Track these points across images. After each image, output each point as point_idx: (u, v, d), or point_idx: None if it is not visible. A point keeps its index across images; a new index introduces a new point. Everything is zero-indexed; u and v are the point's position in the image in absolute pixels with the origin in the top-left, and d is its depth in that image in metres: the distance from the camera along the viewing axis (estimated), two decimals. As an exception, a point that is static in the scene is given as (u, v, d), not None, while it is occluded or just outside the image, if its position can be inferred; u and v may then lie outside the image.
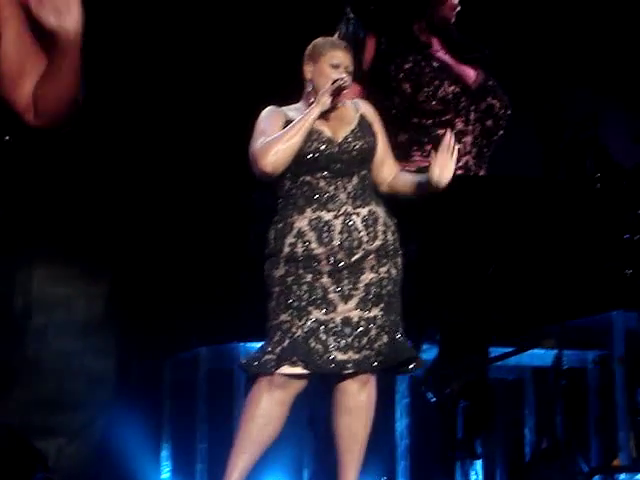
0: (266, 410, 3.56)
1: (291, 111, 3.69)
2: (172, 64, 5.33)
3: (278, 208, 3.66)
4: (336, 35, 4.83)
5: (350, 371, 3.56)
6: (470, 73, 5.05)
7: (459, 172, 4.99)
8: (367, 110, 3.78)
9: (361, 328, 3.57)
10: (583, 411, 5.03)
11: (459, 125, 4.99)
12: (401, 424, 4.98)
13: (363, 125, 3.72)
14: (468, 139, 5.01)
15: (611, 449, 4.88)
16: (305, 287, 3.58)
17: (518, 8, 5.37)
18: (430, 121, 4.94)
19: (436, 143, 4.94)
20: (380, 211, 3.69)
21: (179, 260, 5.26)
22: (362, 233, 3.64)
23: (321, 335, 3.55)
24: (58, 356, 5.26)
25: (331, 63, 3.66)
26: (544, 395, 5.07)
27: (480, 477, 4.99)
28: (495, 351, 4.91)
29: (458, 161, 4.96)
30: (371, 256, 3.63)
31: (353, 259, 3.60)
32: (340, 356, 3.54)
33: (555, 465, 4.79)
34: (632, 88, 5.50)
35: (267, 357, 3.55)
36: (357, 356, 3.56)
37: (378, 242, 3.65)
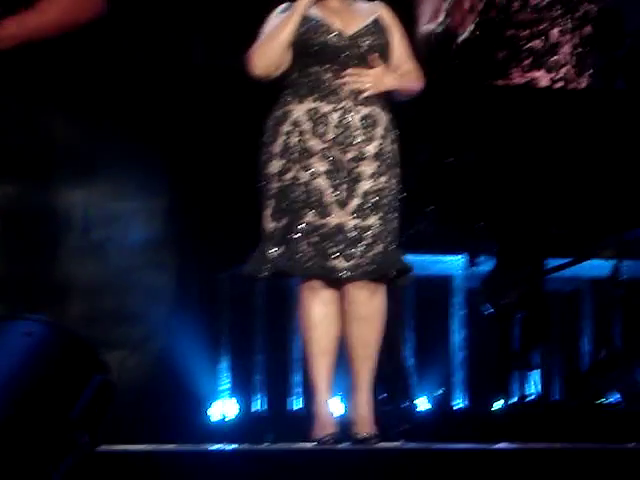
0: (320, 315, 3.53)
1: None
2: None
3: (278, 97, 3.55)
4: None
5: (342, 277, 3.46)
6: None
7: (559, 84, 4.89)
8: (385, 14, 3.64)
9: (355, 236, 3.47)
10: (640, 322, 4.94)
11: (555, 35, 4.87)
12: (457, 336, 4.93)
13: (378, 24, 3.58)
14: (566, 49, 4.89)
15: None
16: (300, 189, 3.49)
17: None
18: (526, 32, 4.84)
19: (532, 57, 4.82)
20: (382, 115, 3.57)
21: (239, 175, 5.20)
22: (358, 131, 3.53)
23: (312, 239, 3.46)
24: (118, 271, 5.26)
25: None
26: (602, 306, 4.98)
27: (537, 388, 4.93)
28: (551, 262, 4.82)
29: (557, 72, 4.84)
30: (368, 161, 3.50)
31: (347, 157, 3.49)
32: (330, 262, 3.46)
33: (612, 376, 4.73)
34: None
35: (264, 259, 3.48)
36: (348, 263, 3.48)
37: (374, 146, 3.53)
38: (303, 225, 3.49)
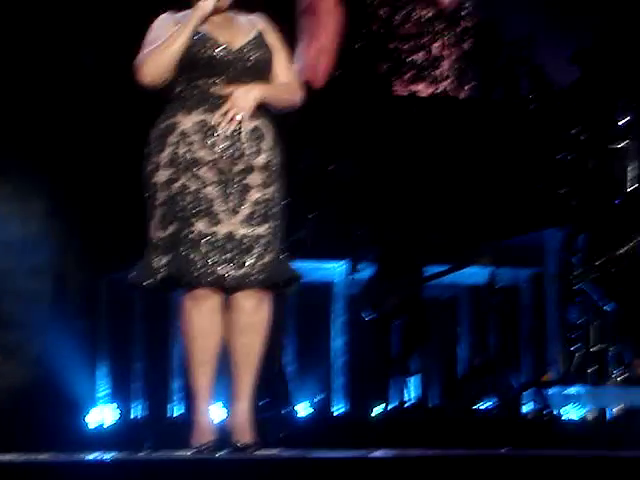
0: (202, 326, 3.50)
1: (185, 17, 3.57)
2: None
3: (165, 110, 3.54)
4: None
5: (230, 286, 3.47)
6: None
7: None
8: (266, 26, 3.66)
9: (245, 244, 3.48)
10: (515, 328, 5.04)
11: (435, 50, 4.95)
12: (338, 342, 4.96)
13: (260, 39, 3.60)
14: (447, 63, 4.97)
15: (542, 365, 4.91)
16: (189, 197, 3.48)
17: None
18: (406, 45, 4.90)
19: (414, 70, 4.90)
20: (269, 128, 3.58)
21: (115, 175, 5.14)
22: (245, 145, 3.53)
23: (202, 247, 3.46)
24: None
25: None
26: (479, 313, 5.07)
27: (416, 393, 4.99)
28: (430, 269, 4.89)
29: (438, 85, 4.94)
30: (255, 173, 3.53)
31: (235, 169, 3.50)
32: (219, 270, 3.46)
33: (487, 381, 4.81)
34: (567, 7, 5.44)
35: (153, 267, 3.46)
36: (238, 272, 3.48)
37: (262, 159, 3.54)
38: (192, 233, 3.47)
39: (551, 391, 4.72)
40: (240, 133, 3.49)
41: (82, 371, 5.13)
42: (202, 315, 3.44)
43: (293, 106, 3.62)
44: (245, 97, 3.52)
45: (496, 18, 5.13)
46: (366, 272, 4.95)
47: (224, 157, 3.47)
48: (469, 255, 4.85)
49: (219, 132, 3.47)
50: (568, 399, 4.65)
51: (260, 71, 3.54)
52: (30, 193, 5.29)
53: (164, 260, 3.41)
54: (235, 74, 3.51)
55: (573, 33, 5.26)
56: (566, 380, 4.76)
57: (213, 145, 3.46)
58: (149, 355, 5.08)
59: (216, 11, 3.55)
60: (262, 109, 3.55)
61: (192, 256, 3.40)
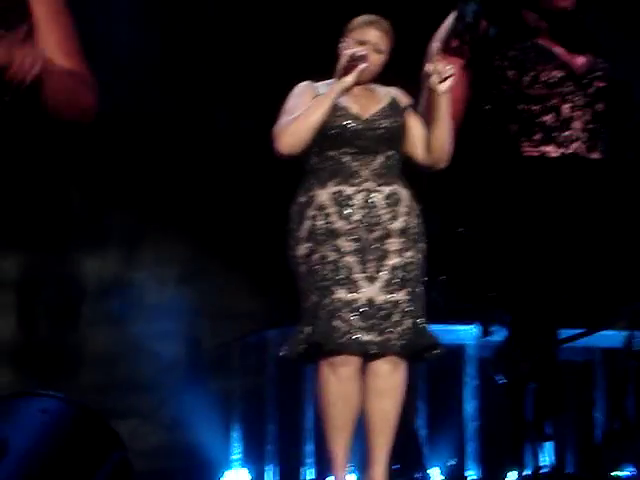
0: (339, 393, 3.54)
1: (324, 87, 3.63)
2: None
3: (302, 182, 3.60)
4: (452, 15, 4.83)
5: (372, 352, 3.48)
6: (578, 60, 5.01)
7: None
8: (399, 95, 3.71)
9: (385, 310, 3.52)
10: (655, 393, 4.89)
11: (566, 111, 4.93)
12: (470, 406, 4.91)
13: (393, 106, 3.66)
14: (577, 125, 4.94)
15: (682, 432, 4.75)
16: (330, 267, 3.55)
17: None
18: (537, 107, 4.89)
19: (544, 132, 4.89)
20: (404, 193, 3.63)
21: (247, 244, 5.23)
22: (383, 211, 3.60)
23: (344, 314, 3.49)
24: (130, 339, 5.28)
25: (358, 39, 3.59)
26: (615, 377, 4.95)
27: (551, 459, 4.89)
28: (565, 332, 4.80)
29: (567, 147, 4.92)
30: (394, 238, 3.57)
31: (372, 236, 3.55)
32: (363, 336, 3.50)
33: (626, 447, 4.68)
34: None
35: (297, 339, 3.50)
36: (380, 338, 3.53)
37: (399, 223, 3.59)
38: (334, 302, 3.52)
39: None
40: (376, 200, 3.53)
41: (216, 434, 5.19)
42: (341, 382, 3.49)
43: (440, 165, 3.67)
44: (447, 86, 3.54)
45: (630, 80, 5.08)
46: (498, 335, 4.90)
47: (361, 226, 3.52)
48: (605, 318, 4.76)
49: (355, 202, 3.52)
50: None
51: (391, 139, 3.60)
52: (168, 259, 5.42)
53: (307, 330, 3.46)
54: (366, 143, 3.56)
55: None
56: None
57: (349, 215, 3.53)
58: (281, 418, 5.11)
59: (357, 83, 3.61)
60: (397, 173, 3.58)
61: (335, 323, 3.46)
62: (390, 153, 3.63)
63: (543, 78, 4.84)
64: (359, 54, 3.56)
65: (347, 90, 3.61)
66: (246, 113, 5.28)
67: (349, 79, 3.58)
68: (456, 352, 4.98)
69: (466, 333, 5.04)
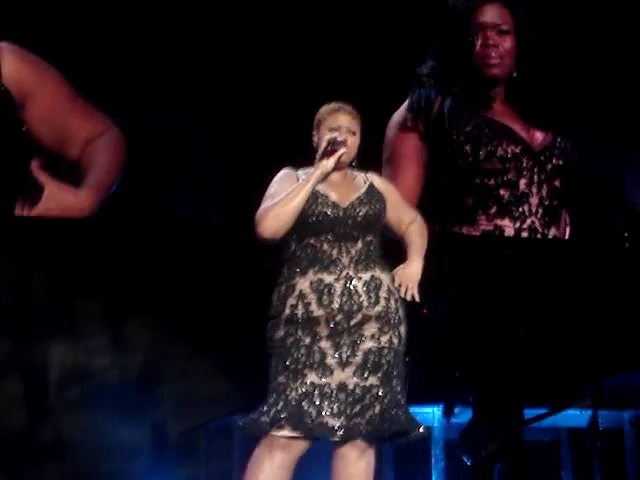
0: (269, 475, 3.50)
1: (304, 173, 3.69)
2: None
3: (283, 270, 3.64)
4: (408, 98, 4.98)
5: (338, 438, 3.49)
6: (537, 136, 5.14)
7: (524, 234, 5.02)
8: (377, 180, 3.78)
9: (356, 396, 3.52)
10: (621, 472, 4.92)
11: (522, 186, 5.04)
12: (438, 488, 4.91)
13: (371, 192, 3.73)
14: (534, 200, 5.05)
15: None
16: (303, 350, 3.58)
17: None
18: (492, 181, 5.01)
19: (500, 205, 4.99)
20: (384, 277, 3.68)
21: (212, 329, 5.24)
22: (362, 297, 3.64)
23: (315, 399, 3.52)
24: (94, 428, 5.26)
25: (330, 127, 3.67)
26: (581, 456, 4.98)
27: (519, 540, 4.89)
28: (530, 412, 4.83)
29: (523, 222, 5.01)
30: (371, 322, 3.60)
31: (352, 322, 3.60)
32: (332, 421, 3.52)
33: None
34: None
35: (262, 419, 3.51)
36: (348, 423, 3.53)
37: (379, 307, 3.63)
38: (306, 385, 3.53)
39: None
40: (357, 287, 3.57)
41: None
42: (274, 465, 3.49)
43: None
44: (408, 275, 3.62)
45: (588, 159, 5.19)
46: (464, 416, 4.92)
47: (341, 313, 3.55)
48: (569, 397, 4.80)
49: (334, 290, 3.56)
50: None
51: (370, 225, 3.64)
52: (130, 344, 5.41)
53: (274, 408, 3.46)
54: (345, 230, 3.61)
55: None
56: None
57: (330, 303, 3.55)
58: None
59: (334, 169, 3.67)
60: (376, 258, 3.62)
61: (306, 407, 3.45)
62: (369, 238, 3.68)
63: (499, 153, 4.96)
64: (339, 139, 3.62)
65: (326, 175, 3.67)
66: (211, 203, 5.34)
67: (330, 164, 3.65)
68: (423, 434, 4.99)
69: (432, 414, 5.05)
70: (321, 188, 3.66)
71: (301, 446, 3.52)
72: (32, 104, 4.98)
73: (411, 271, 3.71)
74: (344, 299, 3.59)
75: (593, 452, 4.71)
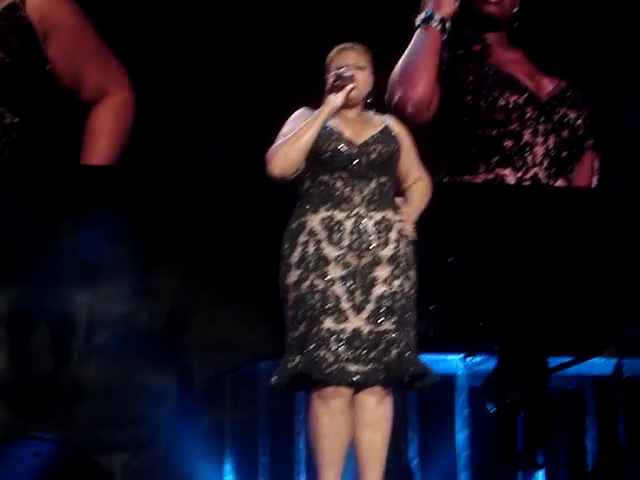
0: (330, 425, 3.64)
1: None
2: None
3: (295, 208, 3.68)
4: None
5: (357, 381, 3.56)
6: (545, 84, 5.09)
7: (526, 184, 5.02)
8: (394, 123, 3.80)
9: (371, 341, 3.59)
10: (645, 421, 4.99)
11: (526, 136, 5.02)
12: (461, 435, 5.00)
13: (386, 132, 3.76)
14: (538, 150, 5.02)
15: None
16: (318, 296, 3.66)
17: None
18: (494, 132, 4.99)
19: (502, 155, 4.98)
20: (395, 220, 3.69)
21: (239, 276, 5.31)
22: (372, 237, 3.70)
23: (332, 345, 3.59)
24: (121, 373, 5.35)
25: (338, 66, 3.68)
26: (605, 404, 5.04)
27: (542, 487, 4.97)
28: (554, 360, 4.89)
29: (526, 172, 5.00)
30: (382, 265, 3.64)
31: (362, 262, 3.64)
32: (349, 367, 3.59)
33: (618, 474, 4.77)
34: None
35: (286, 369, 3.59)
36: (365, 368, 3.63)
37: (389, 250, 3.70)
38: (322, 331, 3.60)
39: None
40: (367, 226, 3.61)
41: (209, 466, 5.26)
42: (331, 415, 3.58)
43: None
44: (411, 217, 3.65)
45: (615, 108, 5.17)
46: (489, 364, 4.98)
47: (350, 252, 3.61)
48: (594, 346, 4.85)
49: (345, 227, 3.59)
50: None
51: (384, 165, 3.70)
52: (158, 291, 5.49)
53: (297, 359, 3.54)
54: (359, 168, 3.66)
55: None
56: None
57: (340, 241, 3.63)
58: (274, 450, 5.18)
59: (347, 106, 3.69)
60: (389, 199, 3.66)
61: (322, 354, 3.56)
62: (383, 180, 3.73)
63: (500, 103, 4.93)
64: (346, 74, 3.65)
65: (337, 110, 3.69)
66: (236, 145, 5.38)
67: (338, 99, 3.69)
68: (446, 382, 5.06)
69: (456, 362, 5.11)
70: (335, 125, 3.71)
71: (345, 388, 3.58)
72: (54, 39, 5.00)
73: (411, 213, 3.70)
74: (354, 237, 3.65)
75: (617, 400, 4.78)
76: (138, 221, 5.38)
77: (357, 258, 3.63)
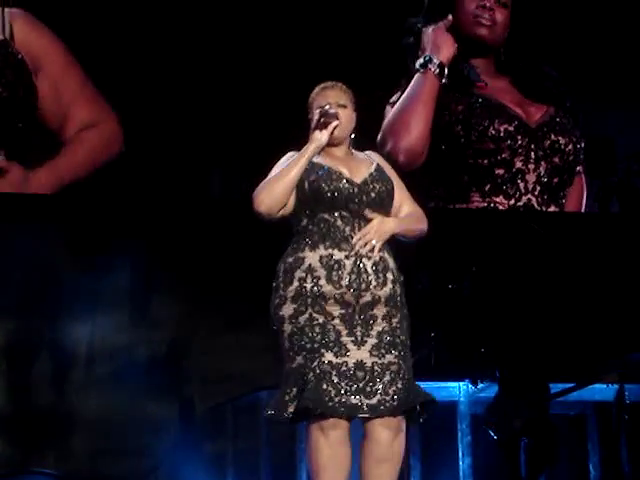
0: (330, 457, 3.62)
1: None
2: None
3: (291, 243, 3.69)
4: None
5: (362, 415, 3.54)
6: (534, 112, 5.11)
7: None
8: (381, 160, 3.84)
9: (375, 373, 3.58)
10: (647, 446, 5.00)
11: (518, 164, 5.03)
12: (464, 463, 4.99)
13: (380, 171, 3.78)
14: (530, 177, 5.04)
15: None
16: (317, 329, 3.66)
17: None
18: (486, 161, 5.00)
19: (494, 183, 4.99)
20: (390, 261, 3.72)
21: (239, 305, 5.32)
22: (371, 277, 3.72)
23: (334, 378, 3.57)
24: (122, 404, 5.34)
25: (320, 105, 3.72)
26: (607, 430, 5.04)
27: (545, 514, 4.98)
28: (556, 387, 4.90)
29: (518, 200, 5.02)
30: (381, 304, 3.65)
31: (361, 301, 3.65)
32: (352, 400, 3.56)
33: (621, 501, 4.77)
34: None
35: (284, 400, 3.57)
36: (370, 401, 3.58)
37: (387, 290, 3.71)
38: (323, 364, 3.58)
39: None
40: (366, 265, 3.62)
41: (210, 495, 5.26)
42: (332, 446, 3.56)
43: (422, 235, 3.76)
44: (383, 226, 3.65)
45: (612, 133, 5.21)
46: (490, 390, 4.99)
47: (350, 290, 3.60)
48: (595, 372, 4.86)
49: (344, 266, 3.61)
50: None
51: (382, 203, 3.73)
52: (158, 320, 5.50)
53: (294, 391, 3.53)
54: (359, 207, 3.67)
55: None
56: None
57: (339, 279, 3.64)
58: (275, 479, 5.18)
59: (332, 144, 3.73)
60: (386, 240, 3.68)
61: (324, 386, 3.54)
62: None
63: (491, 133, 4.95)
64: (331, 111, 3.68)
65: (324, 149, 3.72)
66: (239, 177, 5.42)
67: (324, 137, 3.73)
68: (449, 409, 5.07)
69: (458, 389, 5.13)
70: (331, 164, 3.72)
71: (345, 422, 3.57)
72: (44, 73, 5.01)
73: (384, 222, 3.68)
74: (353, 277, 3.66)
75: (619, 426, 4.78)
76: (138, 251, 5.40)
77: (356, 298, 3.64)
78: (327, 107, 3.70)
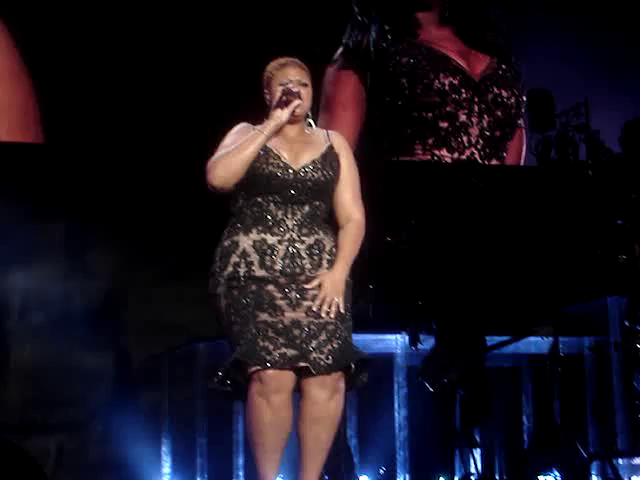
0: (271, 421, 3.60)
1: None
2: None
3: (228, 225, 3.66)
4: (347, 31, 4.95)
5: (301, 365, 3.54)
6: (478, 63, 5.12)
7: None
8: (338, 143, 3.77)
9: (311, 332, 3.58)
10: (580, 397, 5.08)
11: (462, 117, 5.06)
12: (399, 415, 5.05)
13: (328, 157, 3.73)
14: (473, 131, 5.07)
15: (609, 435, 4.93)
16: (251, 295, 3.62)
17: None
18: (430, 114, 5.01)
19: (438, 136, 5.02)
20: (328, 241, 3.71)
21: (177, 256, 5.31)
22: (305, 260, 3.71)
23: (270, 334, 3.55)
24: (56, 354, 5.33)
25: (281, 82, 3.68)
26: (541, 382, 5.13)
27: (479, 465, 5.05)
28: (491, 339, 4.97)
29: (461, 153, 5.05)
30: (317, 279, 3.61)
31: (296, 283, 3.61)
32: (290, 352, 3.55)
33: (553, 451, 4.86)
34: (624, 73, 5.54)
35: (227, 365, 3.56)
36: (308, 356, 3.56)
37: (323, 270, 3.63)
38: (259, 324, 3.57)
39: (620, 461, 4.74)
40: (299, 249, 3.59)
41: (146, 448, 5.26)
42: (274, 410, 3.53)
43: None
44: (334, 283, 3.60)
45: (552, 86, 5.24)
46: (427, 343, 5.04)
47: (282, 276, 3.58)
48: (530, 324, 4.93)
49: (277, 251, 3.58)
50: (637, 470, 4.67)
51: (319, 192, 3.69)
52: (95, 270, 5.48)
53: (232, 355, 3.51)
54: (293, 193, 3.62)
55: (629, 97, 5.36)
56: (635, 450, 4.78)
57: (272, 264, 3.60)
58: (212, 431, 5.20)
59: (290, 122, 3.67)
60: (322, 222, 3.64)
61: (261, 343, 3.50)
62: (317, 203, 3.70)
63: (436, 86, 4.98)
64: (294, 90, 3.63)
65: (282, 129, 3.66)
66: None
67: (285, 115, 3.68)
68: (385, 361, 5.11)
69: (395, 342, 5.17)
70: (275, 145, 3.69)
71: (287, 381, 3.56)
72: None
73: (334, 279, 3.66)
74: (286, 262, 3.64)
75: (553, 378, 4.86)
76: (73, 201, 5.37)
77: (291, 280, 3.62)
78: (290, 86, 3.65)
